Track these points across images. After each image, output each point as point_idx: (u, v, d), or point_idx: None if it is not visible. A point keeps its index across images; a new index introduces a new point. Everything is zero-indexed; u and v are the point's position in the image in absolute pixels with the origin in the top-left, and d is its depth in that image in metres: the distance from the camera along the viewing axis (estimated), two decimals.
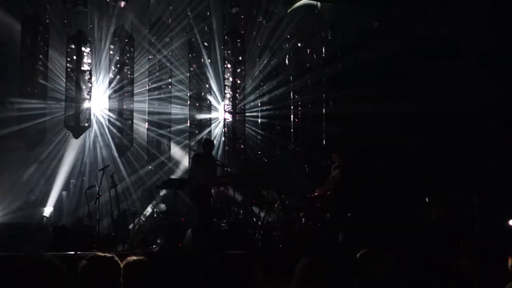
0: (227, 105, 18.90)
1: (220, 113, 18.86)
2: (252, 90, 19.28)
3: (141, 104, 17.78)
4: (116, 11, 17.06)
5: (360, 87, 17.35)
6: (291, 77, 19.58)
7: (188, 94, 18.47)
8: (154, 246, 13.26)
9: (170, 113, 18.14)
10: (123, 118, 17.60)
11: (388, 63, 17.01)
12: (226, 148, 18.77)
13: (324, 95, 19.46)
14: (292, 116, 19.38)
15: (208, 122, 18.76)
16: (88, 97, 16.91)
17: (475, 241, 12.31)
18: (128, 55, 17.74)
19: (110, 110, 17.41)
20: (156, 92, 18.05)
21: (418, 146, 16.02)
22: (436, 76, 16.50)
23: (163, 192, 15.97)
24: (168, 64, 18.14)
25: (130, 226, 14.30)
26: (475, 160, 15.60)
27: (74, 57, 16.94)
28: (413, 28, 16.43)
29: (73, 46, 16.95)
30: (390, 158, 16.20)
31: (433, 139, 16.09)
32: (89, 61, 17.00)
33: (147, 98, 17.85)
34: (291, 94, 19.52)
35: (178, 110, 18.26)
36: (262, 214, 14.51)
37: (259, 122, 19.26)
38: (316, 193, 14.09)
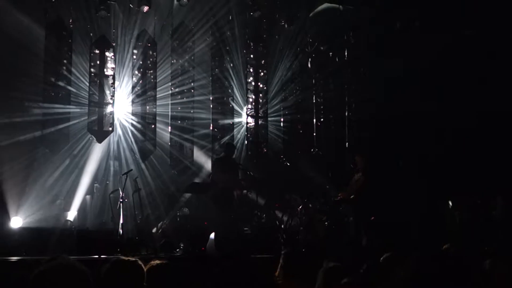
0: (250, 109, 18.90)
1: (242, 117, 18.88)
2: (275, 94, 19.22)
3: (164, 109, 17.83)
4: (139, 16, 17.13)
5: (382, 90, 17.27)
6: (313, 81, 19.53)
7: (211, 98, 18.48)
8: (177, 250, 13.26)
9: (192, 118, 18.15)
10: (146, 122, 17.64)
11: (410, 66, 16.89)
12: (249, 152, 18.73)
13: (346, 99, 19.37)
14: (314, 120, 19.32)
15: (231, 126, 18.76)
16: (111, 101, 16.99)
17: (499, 244, 12.20)
18: (151, 59, 17.81)
19: (133, 114, 17.47)
20: (179, 97, 18.05)
21: (439, 149, 15.92)
22: (457, 78, 16.38)
23: (186, 196, 16.01)
24: (190, 69, 18.19)
25: (154, 230, 14.37)
26: (497, 162, 15.46)
27: (98, 62, 17.05)
28: (436, 29, 16.34)
29: (96, 51, 17.07)
30: (412, 162, 16.11)
31: (454, 142, 15.98)
32: (113, 65, 17.08)
33: (170, 102, 17.88)
34: (314, 98, 19.46)
35: (200, 114, 18.27)
36: (285, 218, 14.50)
37: (282, 126, 19.22)
38: (339, 197, 14.05)
